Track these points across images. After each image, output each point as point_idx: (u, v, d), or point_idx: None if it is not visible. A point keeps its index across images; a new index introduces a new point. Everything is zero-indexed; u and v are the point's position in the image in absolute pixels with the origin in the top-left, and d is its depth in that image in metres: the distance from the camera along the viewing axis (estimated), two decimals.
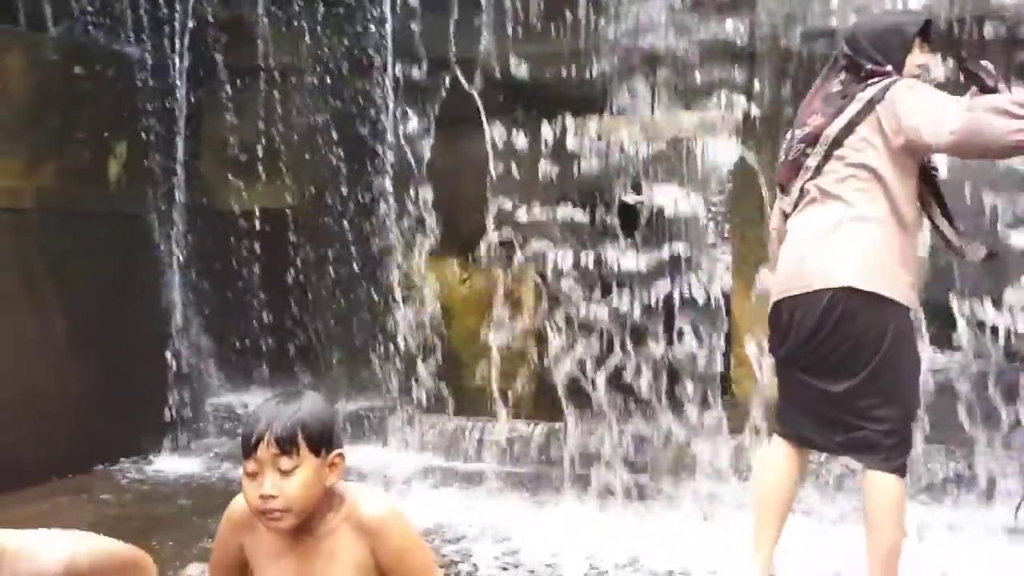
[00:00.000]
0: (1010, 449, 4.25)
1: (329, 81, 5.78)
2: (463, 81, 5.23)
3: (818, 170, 3.05)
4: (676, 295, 4.85)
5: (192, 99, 5.77)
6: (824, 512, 4.09)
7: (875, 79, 3.01)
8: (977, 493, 4.22)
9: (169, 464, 5.32)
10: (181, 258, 5.77)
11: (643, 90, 5.05)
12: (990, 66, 2.92)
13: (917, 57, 3.11)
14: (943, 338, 4.41)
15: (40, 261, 5.03)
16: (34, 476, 4.68)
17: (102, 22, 5.63)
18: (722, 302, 4.85)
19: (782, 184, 3.25)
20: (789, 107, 4.47)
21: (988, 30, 4.42)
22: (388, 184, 5.63)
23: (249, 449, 1.92)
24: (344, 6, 5.60)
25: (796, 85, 4.60)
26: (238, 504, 2.06)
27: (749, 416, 4.56)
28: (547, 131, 5.14)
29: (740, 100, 4.90)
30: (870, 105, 2.98)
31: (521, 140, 5.23)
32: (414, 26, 5.35)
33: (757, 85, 4.91)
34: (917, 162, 3.04)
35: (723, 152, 5.16)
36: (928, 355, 4.08)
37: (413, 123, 5.50)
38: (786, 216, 3.21)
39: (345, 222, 5.86)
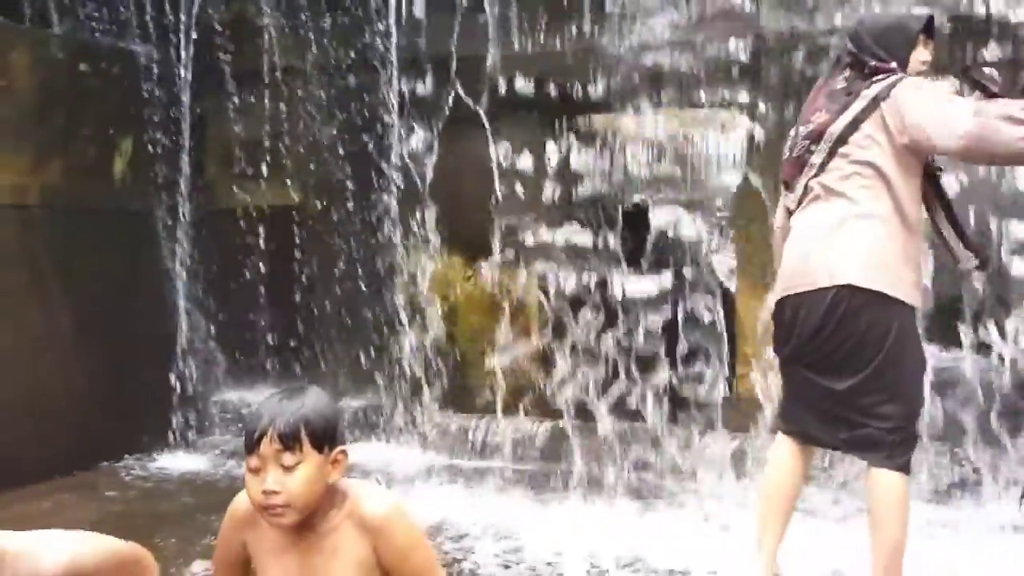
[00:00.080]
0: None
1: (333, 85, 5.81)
2: (465, 97, 5.27)
3: (822, 167, 3.05)
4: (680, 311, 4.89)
5: (198, 98, 5.79)
6: (828, 511, 4.08)
7: (880, 76, 3.00)
8: (979, 492, 4.22)
9: (173, 461, 5.32)
10: (186, 255, 5.78)
11: (648, 107, 5.07)
12: (995, 73, 2.91)
13: (921, 53, 3.11)
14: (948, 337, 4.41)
15: (45, 258, 5.03)
16: (38, 473, 4.68)
17: (109, 28, 5.65)
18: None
19: (786, 181, 3.24)
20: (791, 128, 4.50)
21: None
22: (394, 175, 5.63)
23: (252, 445, 1.91)
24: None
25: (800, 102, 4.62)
26: (241, 500, 2.05)
27: (752, 415, 4.55)
28: (552, 147, 5.18)
29: (743, 119, 4.92)
30: (875, 102, 2.97)
31: (525, 157, 5.27)
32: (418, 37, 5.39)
33: (762, 106, 4.92)
34: (921, 162, 3.03)
35: (729, 149, 5.17)
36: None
37: (418, 135, 5.52)
38: (790, 213, 3.20)
39: (351, 217, 5.87)
